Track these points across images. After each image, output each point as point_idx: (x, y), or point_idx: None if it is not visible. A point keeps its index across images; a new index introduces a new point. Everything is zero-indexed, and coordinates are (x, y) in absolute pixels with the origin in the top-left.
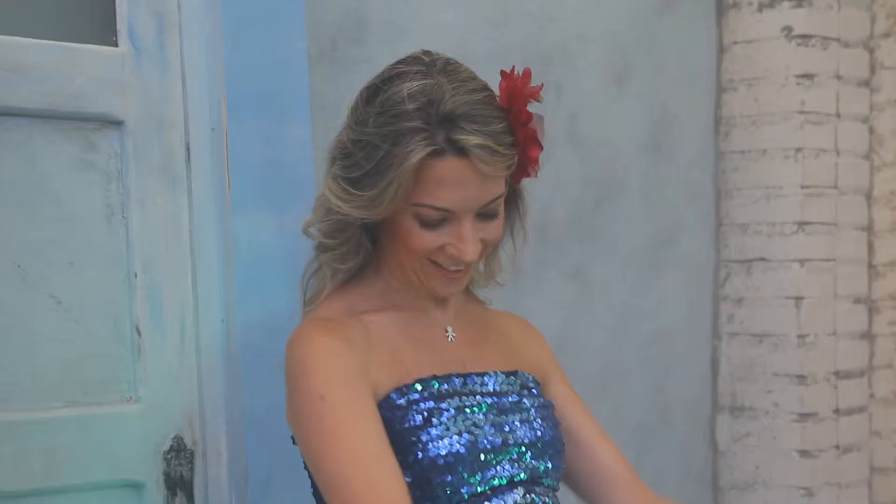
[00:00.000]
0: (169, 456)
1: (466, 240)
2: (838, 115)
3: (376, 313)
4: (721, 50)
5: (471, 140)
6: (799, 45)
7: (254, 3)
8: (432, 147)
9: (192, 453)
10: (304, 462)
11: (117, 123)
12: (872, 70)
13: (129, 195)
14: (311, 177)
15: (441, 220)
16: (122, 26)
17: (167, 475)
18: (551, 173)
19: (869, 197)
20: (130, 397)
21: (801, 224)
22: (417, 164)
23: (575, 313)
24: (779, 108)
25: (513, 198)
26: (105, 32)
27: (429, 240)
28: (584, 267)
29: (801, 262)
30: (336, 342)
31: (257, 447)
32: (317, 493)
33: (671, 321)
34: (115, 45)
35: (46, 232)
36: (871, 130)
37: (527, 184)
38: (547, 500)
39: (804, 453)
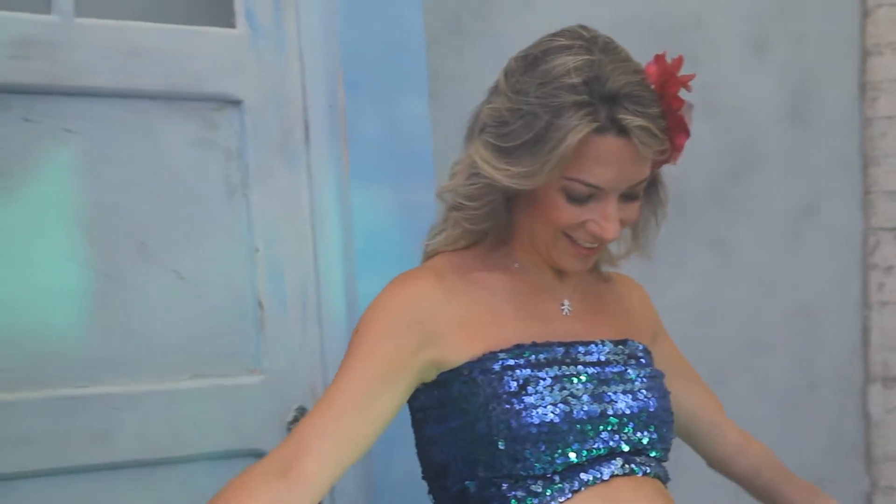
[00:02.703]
0: (292, 426)
1: (611, 218)
2: None
3: (488, 273)
4: (865, 14)
5: (634, 121)
6: None
7: None
8: (597, 123)
9: None
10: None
11: (236, 103)
12: None
13: (249, 172)
14: (428, 151)
15: (588, 196)
16: (239, 8)
17: None
18: (686, 144)
19: None
20: (254, 369)
21: None
22: (581, 139)
23: (715, 283)
24: None
25: (653, 184)
26: (224, 14)
27: (572, 214)
28: (723, 237)
29: None
30: (417, 294)
31: None
32: (421, 452)
33: (817, 291)
34: (234, 26)
35: (169, 209)
36: None
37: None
38: (648, 469)
39: None
